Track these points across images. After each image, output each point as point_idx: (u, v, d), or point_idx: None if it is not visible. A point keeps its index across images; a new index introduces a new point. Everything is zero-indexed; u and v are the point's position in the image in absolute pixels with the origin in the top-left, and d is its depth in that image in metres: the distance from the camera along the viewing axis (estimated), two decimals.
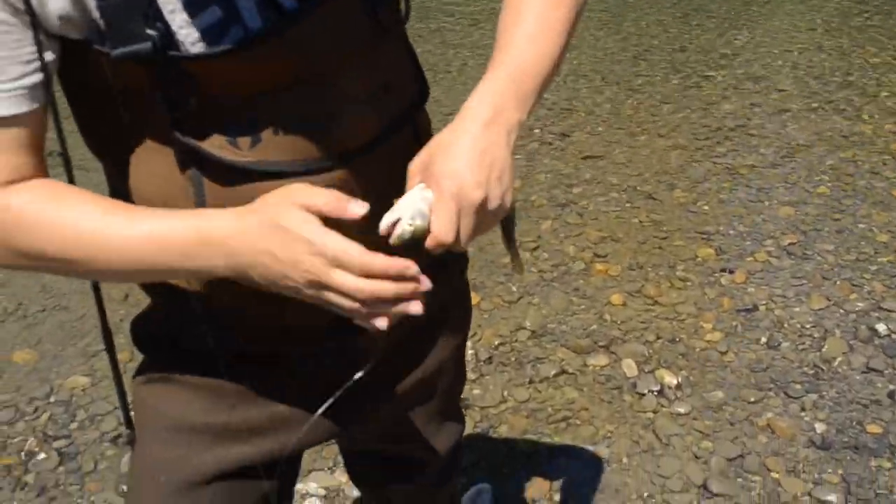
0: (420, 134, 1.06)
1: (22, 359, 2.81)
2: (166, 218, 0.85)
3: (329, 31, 0.88)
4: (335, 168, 0.93)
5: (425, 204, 0.85)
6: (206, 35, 0.83)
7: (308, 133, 0.91)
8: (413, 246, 0.85)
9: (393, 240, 0.84)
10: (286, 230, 0.80)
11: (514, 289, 3.07)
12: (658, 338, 2.77)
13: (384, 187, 0.93)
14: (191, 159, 0.88)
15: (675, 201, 3.63)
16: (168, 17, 0.81)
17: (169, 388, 1.07)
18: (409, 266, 0.82)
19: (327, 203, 0.81)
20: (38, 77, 0.81)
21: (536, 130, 4.31)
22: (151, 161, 0.90)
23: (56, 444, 2.41)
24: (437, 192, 0.86)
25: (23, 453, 2.38)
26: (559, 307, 2.96)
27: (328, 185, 0.92)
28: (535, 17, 0.95)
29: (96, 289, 1.11)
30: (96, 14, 0.79)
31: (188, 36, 0.83)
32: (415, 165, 0.90)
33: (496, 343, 2.78)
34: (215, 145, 0.87)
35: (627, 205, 3.63)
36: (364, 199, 0.94)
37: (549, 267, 3.20)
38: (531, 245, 3.34)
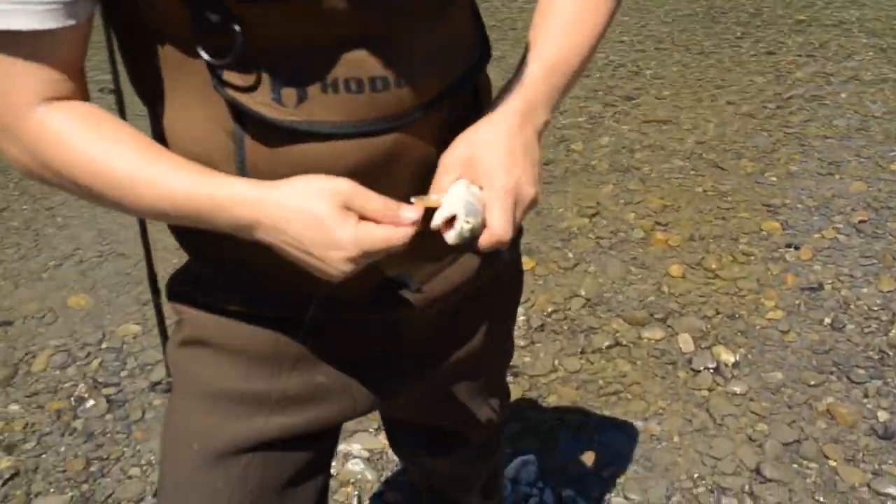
0: (480, 96, 1.00)
1: (77, 304, 2.84)
2: (194, 175, 0.81)
3: None
4: (387, 132, 0.87)
5: (476, 200, 0.85)
6: None
7: (361, 93, 0.84)
8: (469, 243, 0.85)
9: (452, 239, 0.83)
10: (327, 231, 0.79)
11: (570, 255, 3.00)
12: (717, 313, 2.68)
13: (439, 152, 0.89)
14: (232, 115, 0.83)
15: (742, 171, 3.52)
16: None
17: (204, 352, 1.03)
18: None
19: (376, 212, 0.81)
20: None
21: (600, 92, 4.21)
22: (192, 114, 0.85)
23: (105, 392, 2.43)
24: (490, 188, 0.86)
25: (73, 399, 2.40)
26: (616, 276, 2.88)
27: (379, 149, 0.87)
28: (570, 11, 0.95)
29: (144, 234, 1.08)
30: None
31: None
32: (452, 159, 0.88)
33: (549, 310, 2.72)
34: (258, 101, 0.82)
35: (692, 172, 3.52)
36: (416, 163, 0.90)
37: (607, 234, 3.13)
38: (590, 211, 3.26)
